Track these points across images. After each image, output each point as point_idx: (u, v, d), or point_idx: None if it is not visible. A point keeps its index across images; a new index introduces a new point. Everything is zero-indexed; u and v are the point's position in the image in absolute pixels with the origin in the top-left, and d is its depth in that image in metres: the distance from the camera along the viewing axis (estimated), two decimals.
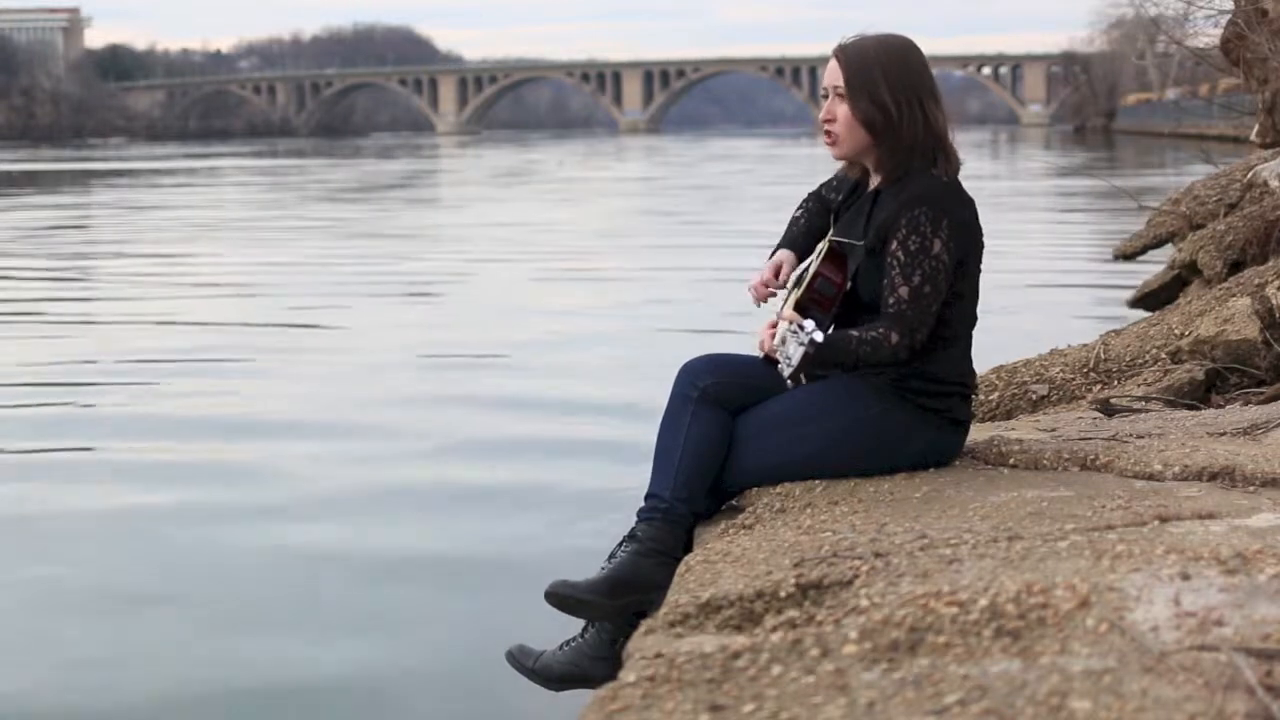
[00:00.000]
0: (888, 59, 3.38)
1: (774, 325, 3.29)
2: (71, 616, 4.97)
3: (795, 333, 3.16)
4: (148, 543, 5.86)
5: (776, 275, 3.57)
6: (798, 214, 3.70)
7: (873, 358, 3.28)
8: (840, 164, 3.59)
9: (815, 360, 3.17)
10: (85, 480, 6.88)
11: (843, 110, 3.40)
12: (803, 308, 3.35)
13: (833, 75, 3.43)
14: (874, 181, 3.48)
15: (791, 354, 3.15)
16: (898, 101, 3.35)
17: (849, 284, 3.41)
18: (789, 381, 3.23)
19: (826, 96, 3.46)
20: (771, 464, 3.40)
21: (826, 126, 3.44)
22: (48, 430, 8.06)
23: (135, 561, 5.64)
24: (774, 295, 3.57)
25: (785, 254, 3.61)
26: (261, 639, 4.82)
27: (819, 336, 3.16)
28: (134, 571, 5.51)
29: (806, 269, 3.51)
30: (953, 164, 3.41)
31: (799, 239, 3.64)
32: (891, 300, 3.30)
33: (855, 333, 3.28)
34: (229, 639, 4.80)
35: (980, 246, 3.45)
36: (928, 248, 3.29)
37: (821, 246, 3.51)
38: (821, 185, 3.71)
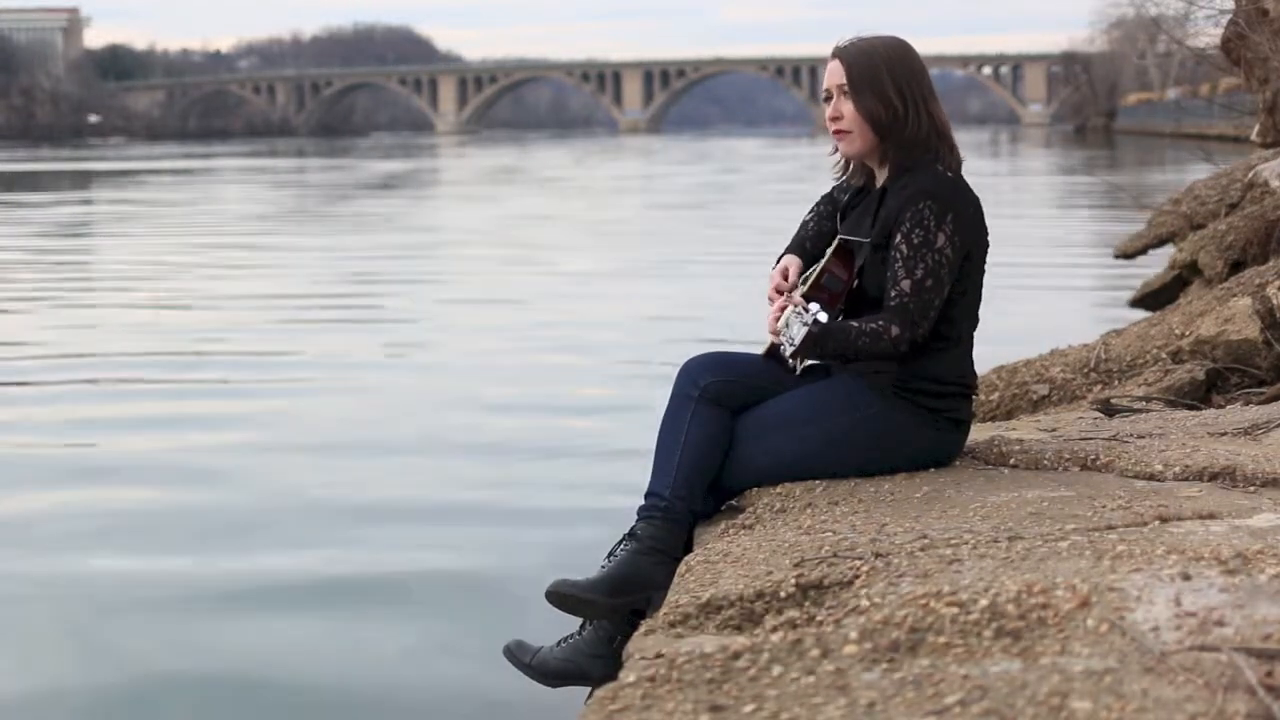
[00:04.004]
0: (889, 56, 3.40)
1: (780, 311, 3.30)
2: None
3: (799, 314, 3.17)
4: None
5: (785, 278, 3.58)
6: (808, 217, 3.71)
7: (872, 348, 3.28)
8: (842, 161, 3.59)
9: (817, 342, 3.18)
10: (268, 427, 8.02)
11: (848, 108, 3.40)
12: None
13: (835, 75, 3.44)
14: (880, 179, 3.49)
15: (795, 334, 3.17)
16: (903, 96, 3.36)
17: (856, 281, 3.41)
18: (790, 361, 3.24)
19: (829, 99, 3.46)
20: (772, 463, 3.40)
21: (836, 126, 3.44)
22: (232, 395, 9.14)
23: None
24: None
25: (790, 259, 3.62)
26: (258, 635, 4.82)
27: (823, 317, 3.17)
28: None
29: (816, 267, 3.52)
30: (955, 157, 3.42)
31: (806, 242, 3.65)
32: (894, 293, 3.30)
33: (857, 323, 3.29)
34: (217, 620, 4.84)
35: (985, 244, 3.45)
36: (931, 241, 3.29)
37: (832, 246, 3.52)
38: (834, 188, 3.72)
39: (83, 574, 5.51)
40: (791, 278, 3.56)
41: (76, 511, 6.41)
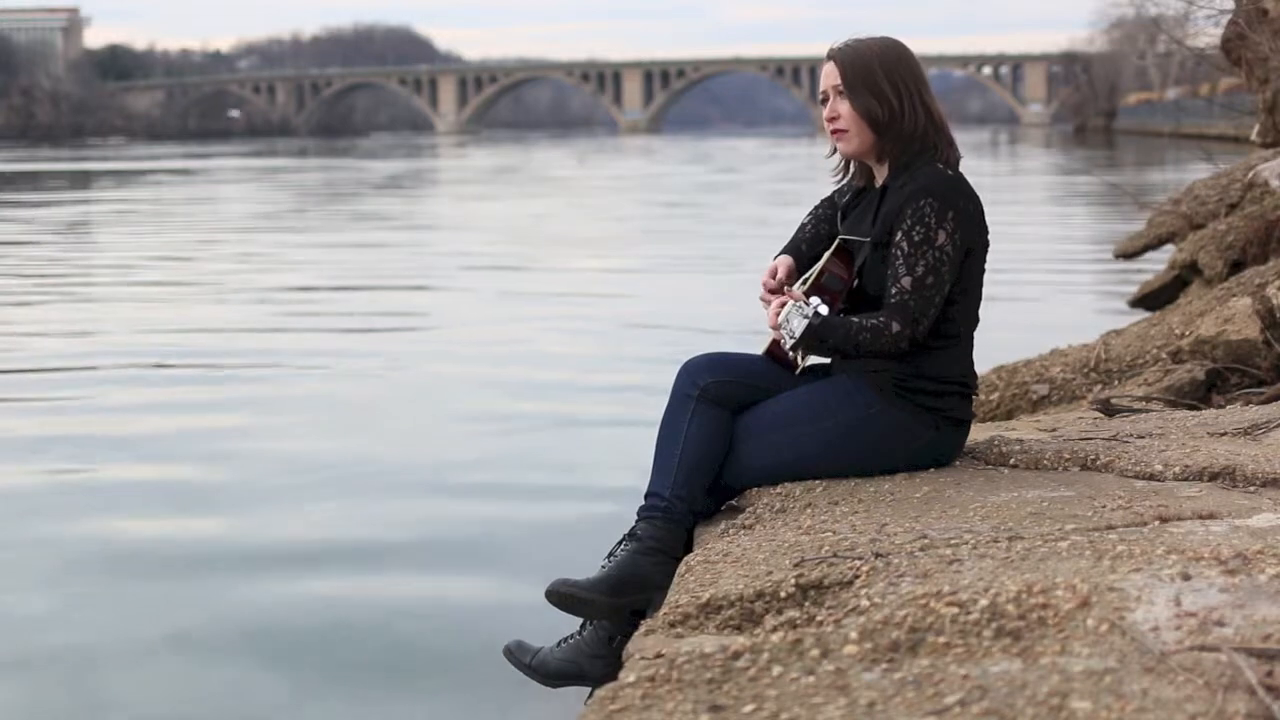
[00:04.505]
0: (883, 55, 3.41)
1: (781, 305, 3.30)
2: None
3: (800, 308, 3.18)
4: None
5: (774, 278, 3.58)
6: (806, 220, 3.71)
7: (872, 344, 3.28)
8: (842, 163, 3.60)
9: (817, 335, 3.19)
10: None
11: (845, 108, 3.41)
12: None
13: (830, 77, 3.45)
14: (880, 178, 3.49)
15: (795, 327, 3.18)
16: (898, 93, 3.37)
17: (856, 280, 3.42)
18: (790, 354, 3.24)
19: (825, 100, 3.47)
20: (772, 463, 3.40)
21: (833, 126, 3.44)
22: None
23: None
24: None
25: (782, 259, 3.62)
26: (258, 635, 4.83)
27: (824, 309, 3.18)
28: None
29: (816, 268, 3.52)
30: (954, 153, 3.43)
31: (802, 244, 3.65)
32: (894, 290, 3.30)
33: (857, 319, 3.29)
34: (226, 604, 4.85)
35: (985, 242, 3.45)
36: (932, 239, 3.29)
37: (832, 246, 3.53)
38: (834, 190, 3.72)
39: (112, 538, 5.79)
40: (780, 277, 3.57)
41: (83, 487, 6.62)
